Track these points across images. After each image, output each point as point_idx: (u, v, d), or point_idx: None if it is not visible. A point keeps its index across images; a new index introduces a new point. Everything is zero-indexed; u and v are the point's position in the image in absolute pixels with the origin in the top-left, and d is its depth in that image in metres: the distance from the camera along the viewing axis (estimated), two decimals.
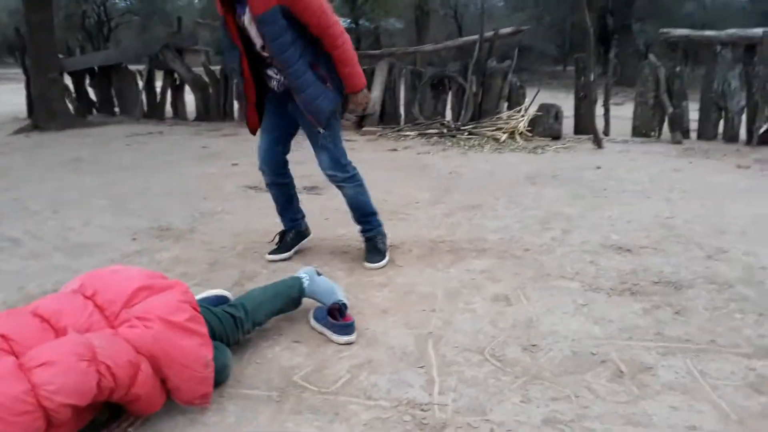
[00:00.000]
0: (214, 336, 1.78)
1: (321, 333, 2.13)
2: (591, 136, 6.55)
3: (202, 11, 27.27)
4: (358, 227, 2.92)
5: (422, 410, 1.68)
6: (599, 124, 6.67)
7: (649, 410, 1.67)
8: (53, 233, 3.39)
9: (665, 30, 7.34)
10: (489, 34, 7.47)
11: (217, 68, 8.84)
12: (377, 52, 8.75)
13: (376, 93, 7.58)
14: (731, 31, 6.72)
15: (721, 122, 6.65)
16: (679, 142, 6.50)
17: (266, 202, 3.07)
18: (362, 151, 6.22)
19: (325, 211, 3.77)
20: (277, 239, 2.99)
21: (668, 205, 3.90)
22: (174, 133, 7.73)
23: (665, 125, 6.83)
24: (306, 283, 2.22)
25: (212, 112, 8.78)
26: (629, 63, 15.32)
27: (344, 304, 2.16)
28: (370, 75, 7.60)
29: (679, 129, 6.67)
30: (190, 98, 9.10)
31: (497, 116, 7.16)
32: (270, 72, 2.61)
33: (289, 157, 2.87)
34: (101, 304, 1.63)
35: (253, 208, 3.89)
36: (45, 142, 6.99)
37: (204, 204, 4.03)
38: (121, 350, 1.49)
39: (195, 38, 10.05)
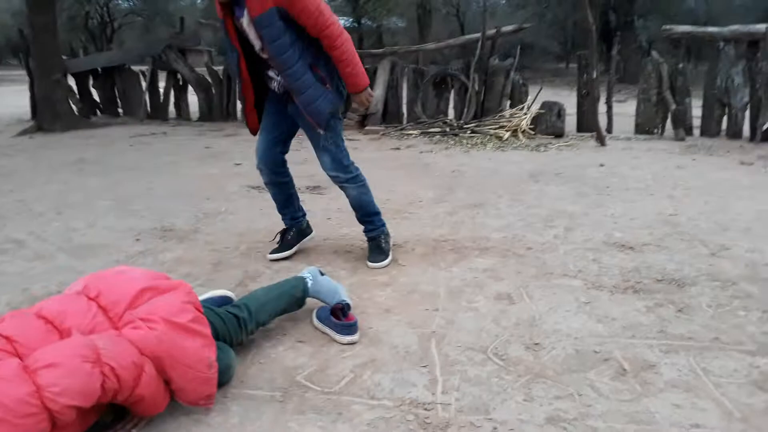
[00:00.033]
0: (217, 337, 1.79)
1: (324, 333, 2.14)
2: (594, 133, 6.54)
3: (205, 12, 27.29)
4: (361, 227, 2.93)
5: (425, 409, 1.68)
6: (602, 121, 6.66)
7: (652, 408, 1.67)
8: (57, 234, 3.40)
9: (668, 26, 7.33)
10: (491, 32, 7.47)
11: (220, 68, 8.86)
12: (379, 51, 8.76)
13: (379, 92, 7.58)
14: (734, 27, 6.70)
15: (725, 119, 6.64)
16: (682, 139, 6.49)
17: (269, 202, 3.08)
18: (365, 150, 6.23)
19: (328, 211, 3.78)
20: (278, 238, 3.00)
21: (671, 202, 3.89)
22: (177, 133, 7.74)
23: (668, 122, 6.82)
24: (309, 283, 2.23)
25: (215, 112, 8.80)
26: (632, 60, 15.32)
27: (347, 304, 2.16)
28: (372, 74, 7.60)
29: (682, 126, 6.66)
30: (193, 99, 9.12)
31: (500, 114, 7.17)
32: (270, 73, 2.62)
33: (291, 156, 2.88)
34: (105, 305, 1.63)
35: (256, 208, 3.90)
36: (49, 144, 7.01)
37: (207, 204, 4.04)
38: (125, 351, 1.49)
39: (198, 39, 10.08)
